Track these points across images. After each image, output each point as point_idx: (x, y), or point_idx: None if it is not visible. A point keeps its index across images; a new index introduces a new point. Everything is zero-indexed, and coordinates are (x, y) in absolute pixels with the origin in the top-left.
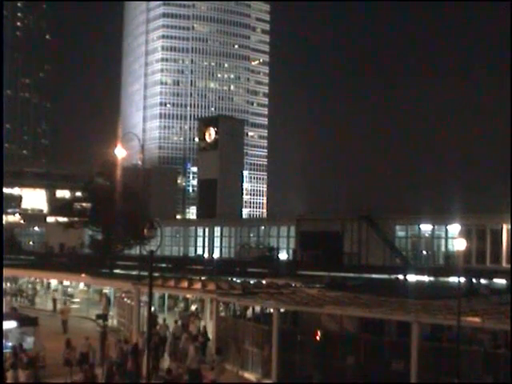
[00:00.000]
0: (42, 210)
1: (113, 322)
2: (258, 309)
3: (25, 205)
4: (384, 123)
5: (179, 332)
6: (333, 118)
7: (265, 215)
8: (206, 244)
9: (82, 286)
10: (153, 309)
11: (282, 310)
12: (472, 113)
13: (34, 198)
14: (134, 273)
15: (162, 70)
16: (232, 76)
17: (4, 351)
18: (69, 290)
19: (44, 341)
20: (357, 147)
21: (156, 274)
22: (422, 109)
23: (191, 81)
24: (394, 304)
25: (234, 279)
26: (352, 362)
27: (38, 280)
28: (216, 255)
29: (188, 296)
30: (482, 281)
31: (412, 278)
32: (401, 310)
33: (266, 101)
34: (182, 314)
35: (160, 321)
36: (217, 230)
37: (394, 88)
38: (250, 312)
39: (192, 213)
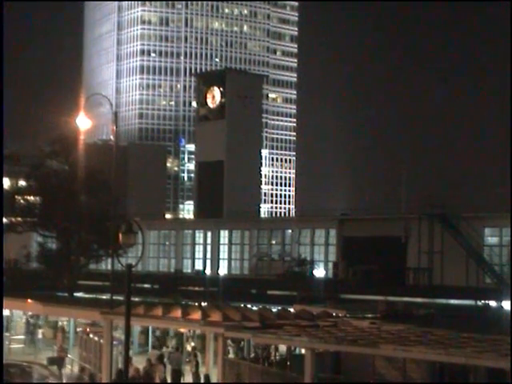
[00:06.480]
0: None
1: (72, 368)
2: (283, 349)
3: None
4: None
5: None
6: (393, 72)
7: (293, 213)
8: (208, 255)
9: (27, 316)
10: (132, 351)
11: (318, 351)
12: None
13: None
14: (105, 297)
15: (143, 3)
16: (245, 11)
17: None
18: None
19: None
20: (427, 114)
21: (136, 299)
22: None
23: (186, 18)
24: (484, 343)
25: (249, 306)
26: None
27: None
28: (223, 271)
29: (182, 330)
30: None
31: (509, 304)
32: (493, 353)
33: (294, 48)
34: (172, 355)
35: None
36: (224, 235)
37: None
38: (271, 353)
39: (188, 210)
